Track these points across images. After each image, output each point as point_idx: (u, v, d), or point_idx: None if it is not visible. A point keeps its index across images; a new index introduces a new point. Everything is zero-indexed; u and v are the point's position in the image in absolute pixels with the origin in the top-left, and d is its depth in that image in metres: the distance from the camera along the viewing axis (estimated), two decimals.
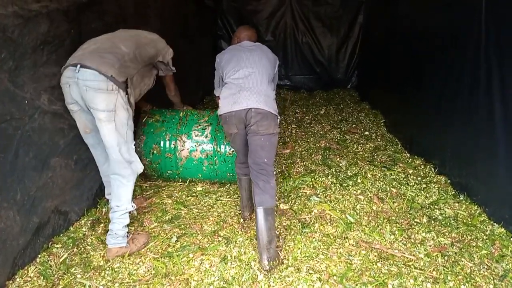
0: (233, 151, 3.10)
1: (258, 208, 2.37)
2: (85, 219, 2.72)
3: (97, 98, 2.17)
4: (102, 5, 2.94)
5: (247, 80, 2.47)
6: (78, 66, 2.16)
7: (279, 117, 2.55)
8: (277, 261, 2.32)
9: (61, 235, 2.54)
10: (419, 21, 3.93)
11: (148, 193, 3.22)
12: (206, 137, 3.15)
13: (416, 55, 3.92)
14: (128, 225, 2.45)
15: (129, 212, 2.43)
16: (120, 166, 2.34)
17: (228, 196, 3.17)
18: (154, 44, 2.64)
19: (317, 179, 3.38)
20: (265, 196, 2.40)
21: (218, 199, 3.13)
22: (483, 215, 2.75)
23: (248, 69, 2.49)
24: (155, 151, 3.15)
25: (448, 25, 3.27)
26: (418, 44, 3.88)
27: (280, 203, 3.04)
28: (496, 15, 2.62)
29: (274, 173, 2.56)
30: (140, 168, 2.46)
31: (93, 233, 2.61)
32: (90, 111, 2.26)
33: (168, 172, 3.23)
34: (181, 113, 3.28)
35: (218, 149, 3.14)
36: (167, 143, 3.15)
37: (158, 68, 2.75)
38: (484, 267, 2.29)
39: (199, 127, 3.20)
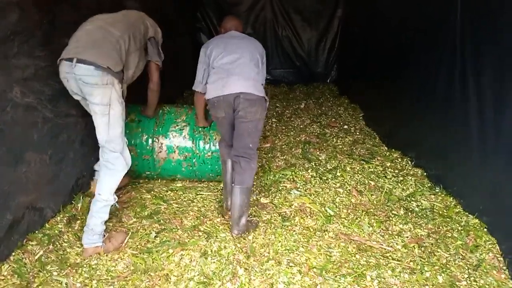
0: (212, 152, 3.07)
1: (236, 186, 2.50)
2: (61, 216, 2.64)
3: (93, 92, 2.20)
4: None
5: (235, 65, 2.51)
6: (75, 61, 2.16)
7: (268, 100, 2.58)
8: (246, 233, 2.56)
9: (36, 232, 2.46)
10: (397, 16, 3.98)
11: (126, 188, 3.16)
12: (184, 138, 3.08)
13: (394, 49, 3.97)
14: (106, 222, 2.40)
15: (111, 206, 2.38)
16: (112, 157, 2.34)
17: (209, 191, 3.15)
18: (143, 20, 2.60)
19: (297, 172, 3.40)
20: (244, 176, 2.52)
21: (198, 193, 3.10)
22: (458, 206, 2.82)
23: (236, 55, 2.53)
24: (132, 153, 2.99)
25: (425, 19, 3.32)
26: (396, 39, 3.93)
27: (260, 197, 3.04)
28: (471, 10, 2.67)
29: (256, 155, 2.63)
30: (127, 168, 2.44)
31: (70, 229, 2.55)
32: None
33: (147, 173, 3.19)
34: (159, 111, 3.16)
35: (197, 151, 3.07)
36: (144, 144, 3.06)
37: (148, 50, 2.63)
38: (459, 257, 2.36)
39: (176, 127, 3.10)
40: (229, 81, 2.46)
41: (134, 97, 2.99)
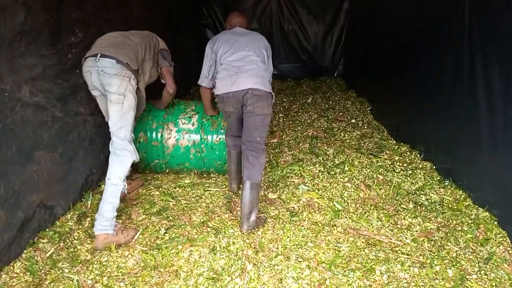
0: (219, 138, 3.16)
1: (246, 181, 2.54)
2: (71, 213, 2.68)
3: (112, 82, 2.44)
4: None
5: (243, 62, 2.60)
6: (99, 55, 2.43)
7: (274, 96, 2.67)
8: (256, 229, 2.57)
9: (47, 230, 2.50)
10: (404, 9, 3.93)
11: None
12: (192, 125, 3.17)
13: (401, 42, 3.93)
14: (117, 209, 2.45)
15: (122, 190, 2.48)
16: (121, 144, 2.49)
17: (217, 187, 3.16)
18: (155, 35, 2.92)
19: (305, 167, 3.39)
20: (253, 171, 2.57)
21: (206, 189, 3.11)
22: (468, 199, 2.79)
23: (244, 52, 2.63)
24: (141, 140, 3.16)
25: (433, 12, 3.28)
26: (403, 32, 3.89)
27: (268, 193, 3.05)
28: (479, 2, 2.63)
29: (265, 150, 2.68)
30: (136, 157, 2.57)
31: (80, 227, 2.58)
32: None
33: (155, 161, 3.22)
34: (169, 103, 3.29)
35: (205, 137, 3.15)
36: (154, 131, 3.16)
37: (159, 60, 2.89)
38: (469, 251, 2.34)
39: (185, 115, 3.21)
40: (238, 78, 2.55)
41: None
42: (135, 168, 3.29)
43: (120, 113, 2.47)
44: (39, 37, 2.42)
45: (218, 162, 3.21)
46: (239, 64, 2.60)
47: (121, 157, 2.48)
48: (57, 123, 2.56)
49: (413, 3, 3.70)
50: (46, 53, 2.50)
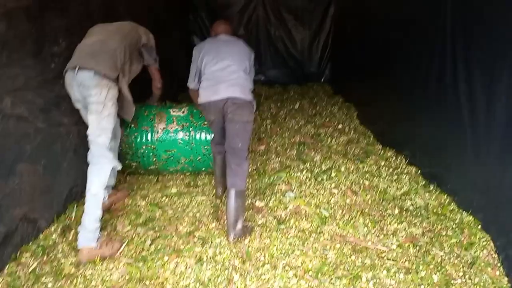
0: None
1: (230, 189, 2.58)
2: (55, 226, 2.63)
3: (91, 92, 2.43)
4: (65, 2, 2.83)
5: (225, 72, 2.68)
6: (77, 68, 2.42)
7: (254, 105, 2.74)
8: (243, 237, 2.56)
9: (30, 243, 2.45)
10: (389, 14, 3.98)
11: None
12: (183, 112, 3.32)
13: (386, 48, 3.97)
14: (100, 220, 2.41)
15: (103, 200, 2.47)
16: (98, 152, 2.48)
17: (204, 196, 3.15)
18: (136, 30, 2.84)
19: (292, 174, 3.40)
20: (236, 179, 2.60)
21: (193, 198, 3.10)
22: (452, 204, 2.83)
23: (226, 61, 2.70)
24: (132, 125, 3.24)
25: (417, 18, 3.33)
26: (388, 37, 3.94)
27: (255, 201, 3.04)
28: (461, 8, 2.67)
29: (248, 157, 2.72)
30: (116, 164, 2.57)
31: (64, 240, 2.54)
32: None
33: (143, 147, 3.22)
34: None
35: (194, 121, 3.25)
36: (145, 117, 3.28)
37: (143, 56, 2.88)
38: (454, 256, 2.36)
39: (177, 108, 3.38)
40: (219, 87, 2.63)
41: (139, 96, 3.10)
42: (122, 171, 3.28)
43: (98, 120, 2.46)
44: (22, 46, 2.39)
45: (206, 147, 3.23)
46: (220, 74, 2.68)
47: (100, 165, 2.47)
48: (40, 135, 2.52)
49: (398, 10, 3.75)
50: (29, 63, 2.46)
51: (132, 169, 3.35)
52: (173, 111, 3.32)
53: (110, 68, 2.48)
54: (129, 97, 2.69)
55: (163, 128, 3.23)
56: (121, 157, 3.22)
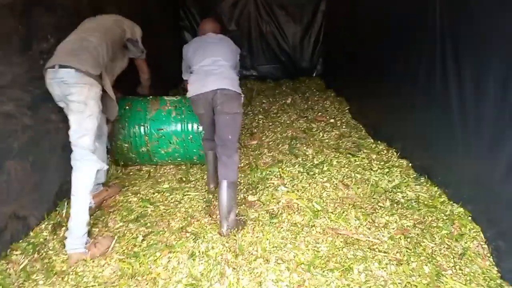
0: None
1: (222, 181, 2.58)
2: (46, 223, 2.62)
3: (72, 90, 2.33)
4: None
5: (213, 66, 2.70)
6: (57, 66, 2.32)
7: (243, 96, 2.75)
8: (236, 230, 2.57)
9: (20, 241, 2.44)
10: (379, 9, 3.98)
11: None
12: (176, 97, 3.46)
13: (377, 42, 3.98)
14: (88, 224, 2.38)
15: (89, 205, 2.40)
16: (81, 154, 2.39)
17: (196, 191, 3.14)
18: (119, 24, 2.76)
19: (285, 169, 3.40)
20: (227, 170, 2.62)
21: (185, 194, 3.09)
22: (443, 196, 2.84)
23: (214, 57, 2.73)
24: (127, 107, 3.29)
25: (406, 12, 3.33)
26: (379, 32, 3.94)
27: (248, 195, 3.04)
28: (450, 5, 2.68)
29: (238, 149, 2.75)
30: (101, 165, 2.47)
31: (55, 237, 2.52)
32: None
33: (136, 127, 3.26)
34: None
35: (187, 102, 3.30)
36: (140, 100, 3.36)
37: (129, 50, 2.83)
38: (444, 247, 2.38)
39: (170, 96, 3.51)
40: (207, 80, 2.63)
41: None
42: (115, 164, 3.34)
43: (80, 121, 2.36)
44: (9, 43, 2.36)
45: (198, 126, 3.27)
46: (208, 68, 2.70)
47: (84, 168, 2.38)
48: (27, 132, 2.50)
49: (388, 5, 3.75)
50: (17, 61, 2.44)
51: (124, 152, 3.34)
52: (167, 97, 3.43)
53: (92, 66, 2.39)
54: (112, 95, 2.60)
55: (156, 108, 3.31)
56: (109, 153, 3.23)
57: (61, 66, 2.32)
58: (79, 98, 2.34)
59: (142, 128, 3.27)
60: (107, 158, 3.04)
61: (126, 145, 3.30)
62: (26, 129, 2.48)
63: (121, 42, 2.73)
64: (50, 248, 2.43)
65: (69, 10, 3.01)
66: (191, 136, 3.30)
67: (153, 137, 3.28)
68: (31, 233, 2.52)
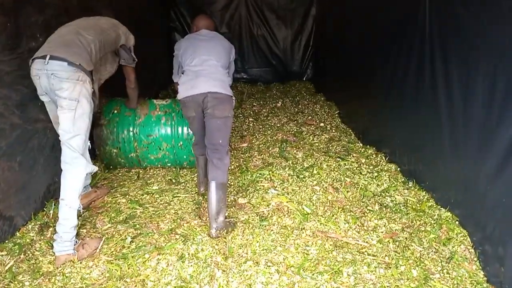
0: None
1: (211, 182, 2.56)
2: (33, 224, 2.57)
3: (63, 86, 2.21)
4: None
5: (203, 67, 2.64)
6: (48, 57, 2.20)
7: (234, 99, 2.70)
8: (225, 231, 2.55)
9: (7, 241, 2.39)
10: (369, 14, 4.03)
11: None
12: (166, 101, 3.42)
13: (367, 47, 4.02)
14: (76, 227, 2.34)
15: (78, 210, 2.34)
16: (71, 156, 2.29)
17: (186, 193, 3.12)
18: (115, 29, 2.69)
19: (275, 172, 3.41)
20: (218, 172, 2.59)
21: (175, 196, 3.07)
22: (430, 200, 2.88)
23: (204, 57, 2.67)
24: (115, 111, 3.23)
25: (395, 17, 3.38)
26: (368, 36, 3.99)
27: (238, 198, 3.04)
28: (439, 8, 2.73)
29: (228, 151, 2.72)
30: (91, 168, 2.40)
31: (42, 237, 2.48)
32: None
33: (125, 132, 3.19)
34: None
35: (177, 107, 3.26)
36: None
37: (120, 56, 2.75)
38: (432, 251, 2.41)
39: (160, 99, 3.49)
40: (198, 82, 2.58)
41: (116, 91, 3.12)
42: (99, 156, 3.32)
43: (72, 120, 2.24)
44: None
45: (187, 132, 3.21)
46: (198, 68, 2.65)
47: (74, 171, 2.29)
48: (15, 131, 2.46)
49: (377, 10, 3.80)
50: (5, 59, 2.40)
51: (113, 157, 3.29)
52: (157, 101, 3.38)
53: (84, 60, 2.29)
54: (97, 93, 2.51)
55: (146, 113, 3.25)
56: (97, 157, 3.21)
57: (52, 58, 2.20)
58: (71, 95, 2.23)
59: (131, 133, 3.21)
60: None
61: (115, 150, 3.25)
62: (14, 128, 2.45)
63: (114, 46, 2.66)
64: (37, 249, 2.39)
65: (59, 9, 2.98)
66: (181, 143, 3.27)
67: (142, 143, 3.23)
68: (18, 234, 2.48)
